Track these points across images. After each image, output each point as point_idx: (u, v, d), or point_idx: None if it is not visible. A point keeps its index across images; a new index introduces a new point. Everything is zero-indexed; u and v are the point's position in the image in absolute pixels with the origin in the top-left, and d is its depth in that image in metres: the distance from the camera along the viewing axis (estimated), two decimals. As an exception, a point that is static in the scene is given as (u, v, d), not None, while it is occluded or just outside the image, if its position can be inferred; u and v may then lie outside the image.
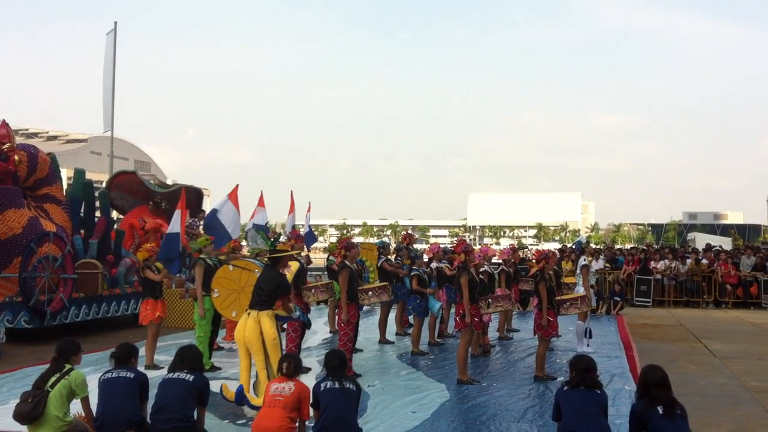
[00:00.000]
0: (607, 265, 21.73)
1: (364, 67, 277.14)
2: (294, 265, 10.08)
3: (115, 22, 26.70)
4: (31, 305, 12.79)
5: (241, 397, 7.78)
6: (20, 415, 6.10)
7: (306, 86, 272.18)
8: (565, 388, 5.94)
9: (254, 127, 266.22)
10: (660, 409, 5.43)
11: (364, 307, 13.84)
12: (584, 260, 13.94)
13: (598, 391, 5.88)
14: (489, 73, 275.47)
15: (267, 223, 14.03)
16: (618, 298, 19.39)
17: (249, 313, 7.87)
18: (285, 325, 10.23)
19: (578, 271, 14.16)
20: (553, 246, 67.69)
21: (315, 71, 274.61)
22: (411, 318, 13.22)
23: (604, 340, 13.74)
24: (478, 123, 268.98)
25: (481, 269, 11.00)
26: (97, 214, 16.56)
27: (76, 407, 6.38)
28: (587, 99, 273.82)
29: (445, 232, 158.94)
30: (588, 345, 12.59)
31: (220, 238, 11.74)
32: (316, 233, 23.44)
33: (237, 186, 13.70)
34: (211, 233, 11.70)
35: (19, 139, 14.95)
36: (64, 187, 15.99)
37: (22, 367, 10.73)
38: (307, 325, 9.78)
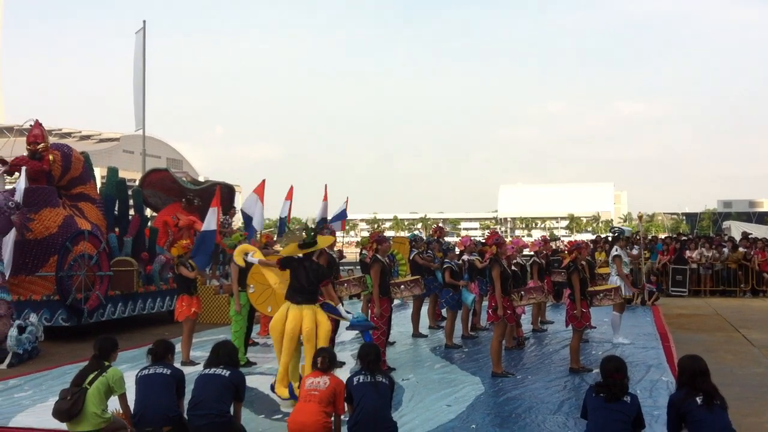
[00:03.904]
0: (646, 252, 21.49)
1: (386, 60, 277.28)
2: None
3: (144, 21, 26.93)
4: (69, 303, 12.95)
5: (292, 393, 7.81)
6: (59, 413, 6.18)
7: (330, 82, 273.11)
8: (594, 394, 5.72)
9: (282, 124, 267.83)
10: (699, 400, 5.35)
11: (396, 301, 13.83)
12: (616, 251, 13.81)
13: (627, 399, 5.61)
14: (512, 62, 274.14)
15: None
16: (653, 289, 19.18)
17: (289, 307, 7.94)
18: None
19: (611, 262, 14.04)
20: (587, 237, 67.13)
21: (339, 66, 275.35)
22: (444, 311, 13.18)
23: (640, 331, 13.60)
24: (502, 114, 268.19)
25: (513, 261, 10.93)
26: (131, 212, 16.73)
27: (114, 404, 6.46)
28: (613, 86, 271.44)
29: (476, 224, 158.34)
30: (623, 337, 12.47)
31: (250, 233, 11.90)
32: (347, 227, 23.45)
33: (264, 181, 13.82)
34: (245, 229, 11.86)
35: (52, 139, 15.13)
36: (98, 185, 16.16)
37: (61, 365, 10.87)
38: (362, 328, 8.77)
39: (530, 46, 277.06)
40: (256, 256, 8.89)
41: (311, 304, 8.00)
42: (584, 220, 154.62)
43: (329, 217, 15.88)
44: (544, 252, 14.09)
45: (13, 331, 11.23)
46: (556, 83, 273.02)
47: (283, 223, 14.88)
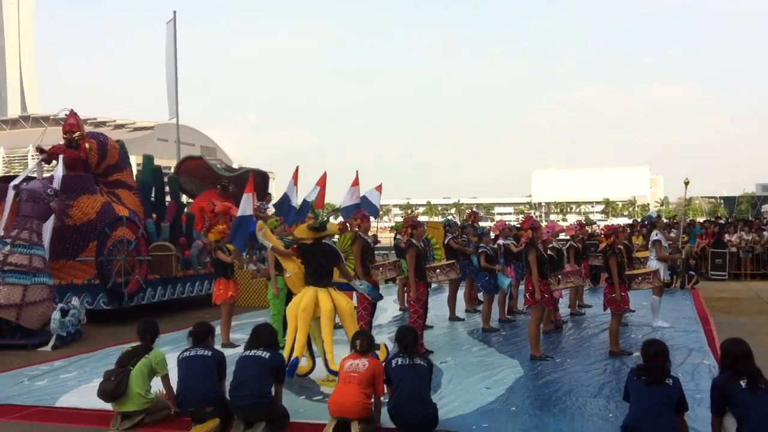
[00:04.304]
0: (684, 236, 21.20)
1: (418, 45, 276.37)
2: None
3: (174, 12, 27.15)
4: (109, 287, 13.14)
5: (293, 369, 7.85)
6: (104, 393, 6.29)
7: (361, 69, 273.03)
8: (635, 378, 5.70)
9: (312, 112, 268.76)
10: (743, 383, 5.27)
11: (433, 285, 13.82)
12: (656, 235, 13.64)
13: (669, 382, 5.57)
14: (544, 48, 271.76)
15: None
16: (693, 273, 18.96)
17: (317, 291, 8.06)
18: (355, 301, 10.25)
19: (650, 246, 13.88)
20: (623, 221, 66.37)
21: (368, 54, 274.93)
22: (480, 295, 13.15)
23: (680, 315, 13.45)
24: (534, 99, 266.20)
25: (549, 245, 10.86)
26: (167, 198, 16.89)
27: (156, 385, 6.54)
28: (647, 71, 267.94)
29: (510, 209, 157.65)
30: (663, 320, 12.34)
31: (290, 219, 11.95)
32: (381, 213, 23.31)
33: (297, 168, 13.88)
34: (281, 214, 11.90)
35: (87, 128, 15.30)
36: (134, 173, 16.33)
37: (103, 347, 11.05)
38: (374, 298, 9.74)
39: (561, 32, 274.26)
40: (265, 236, 8.84)
41: (331, 286, 8.24)
42: (620, 204, 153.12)
43: (350, 203, 15.69)
44: (581, 236, 13.97)
45: (56, 314, 11.41)
46: (589, 69, 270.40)
47: (306, 205, 14.84)
